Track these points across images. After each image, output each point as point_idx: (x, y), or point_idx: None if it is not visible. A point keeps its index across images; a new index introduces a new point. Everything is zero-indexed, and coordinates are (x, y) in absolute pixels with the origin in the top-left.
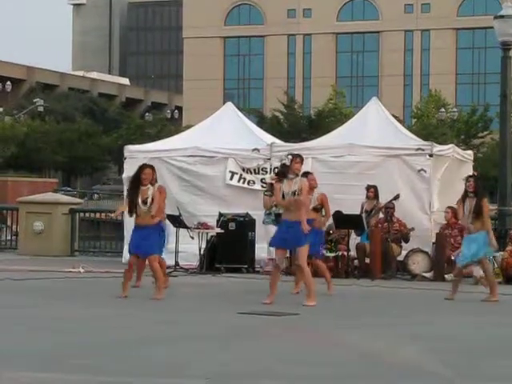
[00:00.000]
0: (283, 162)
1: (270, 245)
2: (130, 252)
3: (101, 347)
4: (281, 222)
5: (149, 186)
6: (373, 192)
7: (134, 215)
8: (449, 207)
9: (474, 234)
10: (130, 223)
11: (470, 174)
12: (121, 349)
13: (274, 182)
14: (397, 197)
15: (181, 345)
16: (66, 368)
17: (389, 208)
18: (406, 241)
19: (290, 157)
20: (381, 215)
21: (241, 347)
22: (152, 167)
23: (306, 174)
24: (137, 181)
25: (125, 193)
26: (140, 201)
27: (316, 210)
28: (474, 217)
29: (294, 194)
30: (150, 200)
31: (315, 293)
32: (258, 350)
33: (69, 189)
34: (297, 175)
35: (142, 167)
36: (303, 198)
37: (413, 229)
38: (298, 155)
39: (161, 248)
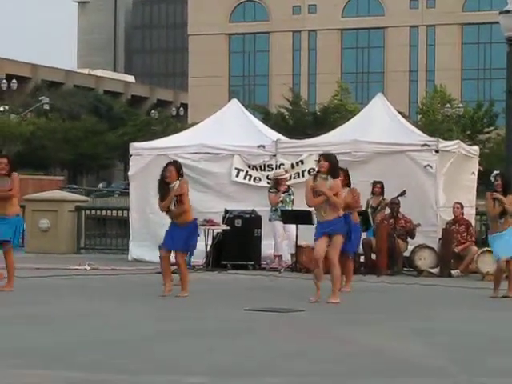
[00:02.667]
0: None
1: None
2: (160, 247)
3: (104, 344)
4: (319, 223)
5: (175, 182)
6: (379, 188)
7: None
8: (457, 203)
9: (504, 232)
10: (136, 220)
11: (497, 172)
12: (123, 346)
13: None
14: (403, 193)
15: (185, 341)
16: (69, 365)
17: (394, 204)
18: (412, 237)
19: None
20: (386, 211)
21: (245, 343)
22: (175, 164)
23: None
24: (162, 180)
25: (131, 190)
26: (173, 202)
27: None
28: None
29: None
30: (177, 198)
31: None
32: (263, 347)
33: (75, 186)
34: (329, 175)
35: (166, 165)
36: (336, 198)
37: (419, 225)
38: (323, 154)
39: (187, 246)
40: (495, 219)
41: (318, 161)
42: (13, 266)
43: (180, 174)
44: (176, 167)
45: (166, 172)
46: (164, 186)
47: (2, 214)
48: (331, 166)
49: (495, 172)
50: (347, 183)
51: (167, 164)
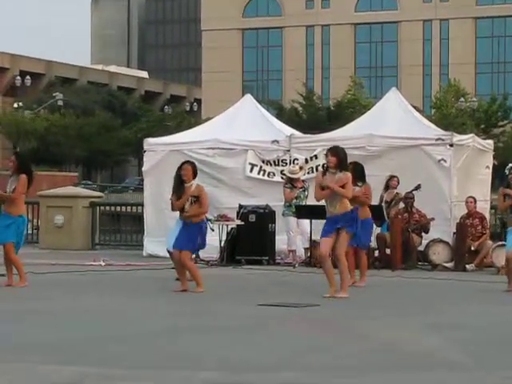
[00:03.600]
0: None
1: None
2: (168, 247)
3: (116, 339)
4: (327, 219)
5: (192, 182)
6: (396, 181)
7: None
8: (470, 197)
9: None
10: (150, 216)
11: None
12: (137, 341)
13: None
14: (418, 187)
15: (197, 336)
16: (80, 360)
17: (408, 198)
18: (426, 231)
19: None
20: (400, 205)
21: (258, 338)
22: (191, 163)
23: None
24: (179, 179)
25: (146, 185)
26: (188, 202)
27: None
28: None
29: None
30: (193, 198)
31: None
32: (276, 342)
33: (89, 182)
34: (339, 169)
35: (182, 164)
36: (341, 189)
37: (433, 219)
38: (329, 148)
39: (195, 245)
40: (506, 214)
41: (326, 156)
42: (19, 262)
43: (195, 174)
44: (192, 166)
45: (182, 170)
46: (180, 185)
47: (8, 212)
48: (339, 160)
49: (510, 165)
50: (356, 177)
51: (183, 163)
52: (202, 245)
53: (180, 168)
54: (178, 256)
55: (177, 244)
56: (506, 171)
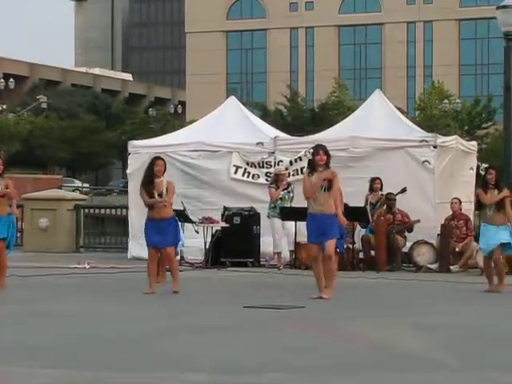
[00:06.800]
0: (309, 157)
1: (309, 241)
2: (149, 246)
3: (104, 342)
4: (311, 217)
5: (162, 178)
6: (379, 183)
7: (148, 208)
8: (455, 198)
9: (497, 226)
10: (135, 218)
11: (487, 165)
12: (125, 343)
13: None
14: (404, 190)
15: (185, 338)
16: (69, 364)
17: (390, 200)
18: (409, 230)
19: (311, 150)
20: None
21: (245, 340)
22: (162, 159)
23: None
24: (151, 174)
25: (130, 188)
26: (156, 194)
27: None
28: (496, 209)
29: (323, 187)
30: (164, 192)
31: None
32: (262, 343)
33: (76, 182)
34: (326, 167)
35: (155, 159)
36: (333, 190)
37: (418, 220)
38: (318, 146)
39: (177, 240)
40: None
41: (315, 154)
42: (5, 265)
43: (165, 170)
44: (164, 162)
45: (156, 166)
46: (152, 180)
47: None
48: (328, 157)
49: (485, 165)
50: None
51: (155, 158)
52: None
53: (152, 163)
54: (157, 256)
55: (159, 242)
56: (482, 172)
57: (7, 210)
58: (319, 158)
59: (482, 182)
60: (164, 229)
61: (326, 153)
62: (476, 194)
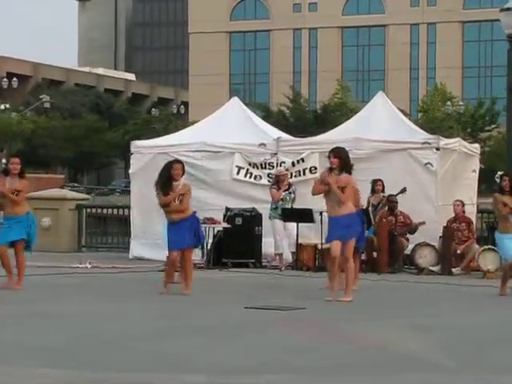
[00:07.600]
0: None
1: (327, 241)
2: (170, 249)
3: (104, 342)
4: (331, 220)
5: (179, 182)
6: (381, 185)
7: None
8: (458, 200)
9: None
10: (137, 218)
11: (502, 172)
12: (125, 344)
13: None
14: (403, 190)
15: (185, 339)
16: (69, 364)
17: (392, 201)
18: (412, 232)
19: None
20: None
21: (245, 341)
22: (181, 162)
23: None
24: (168, 177)
25: (131, 188)
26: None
27: None
28: None
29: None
30: (181, 196)
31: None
32: (263, 344)
33: (76, 185)
34: (342, 171)
35: (173, 162)
36: (345, 192)
37: (424, 222)
38: (332, 149)
39: (199, 239)
40: (504, 219)
41: (328, 157)
42: (23, 265)
43: (183, 173)
44: (182, 165)
45: (174, 170)
46: (168, 182)
47: (11, 214)
48: (342, 161)
49: (500, 172)
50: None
51: (174, 162)
52: (203, 236)
53: (171, 167)
54: (178, 258)
55: (180, 244)
56: (497, 179)
57: (26, 208)
58: (331, 161)
59: (498, 189)
60: (186, 229)
61: (337, 156)
62: (495, 202)
